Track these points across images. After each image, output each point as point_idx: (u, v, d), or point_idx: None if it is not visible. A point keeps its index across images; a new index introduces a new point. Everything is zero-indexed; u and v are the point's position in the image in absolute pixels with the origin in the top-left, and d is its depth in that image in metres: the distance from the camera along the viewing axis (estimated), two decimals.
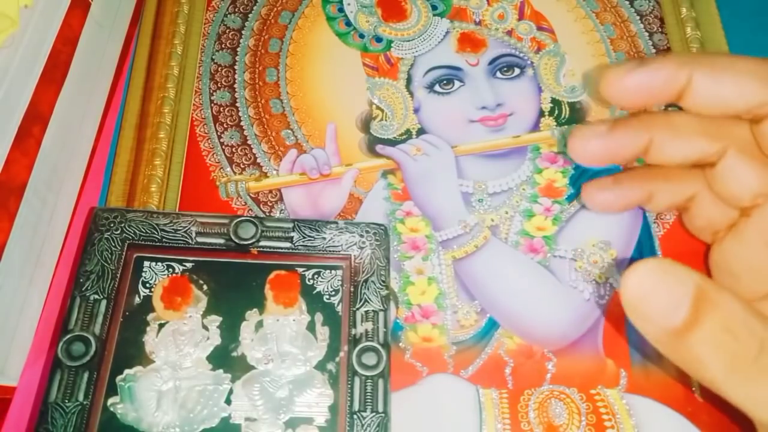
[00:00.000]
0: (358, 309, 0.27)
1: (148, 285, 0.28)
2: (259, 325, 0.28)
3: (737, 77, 0.24)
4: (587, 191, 0.30)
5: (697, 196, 0.28)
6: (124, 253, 0.28)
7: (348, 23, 0.39)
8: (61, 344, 0.25)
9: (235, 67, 0.37)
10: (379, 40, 0.38)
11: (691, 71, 0.24)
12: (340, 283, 0.28)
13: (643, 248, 0.32)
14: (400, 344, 0.29)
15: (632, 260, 0.31)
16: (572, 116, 0.36)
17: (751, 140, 0.25)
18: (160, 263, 0.29)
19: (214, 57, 0.37)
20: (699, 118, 0.26)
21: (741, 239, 0.27)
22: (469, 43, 0.37)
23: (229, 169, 0.34)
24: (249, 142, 0.35)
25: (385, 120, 0.35)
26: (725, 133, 0.26)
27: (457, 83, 0.36)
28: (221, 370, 0.27)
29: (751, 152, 0.25)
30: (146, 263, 0.28)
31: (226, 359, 0.27)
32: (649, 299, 0.19)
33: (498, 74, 0.37)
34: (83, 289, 0.27)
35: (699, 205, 0.29)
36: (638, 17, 0.39)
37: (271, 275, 0.28)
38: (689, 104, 0.25)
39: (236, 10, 0.39)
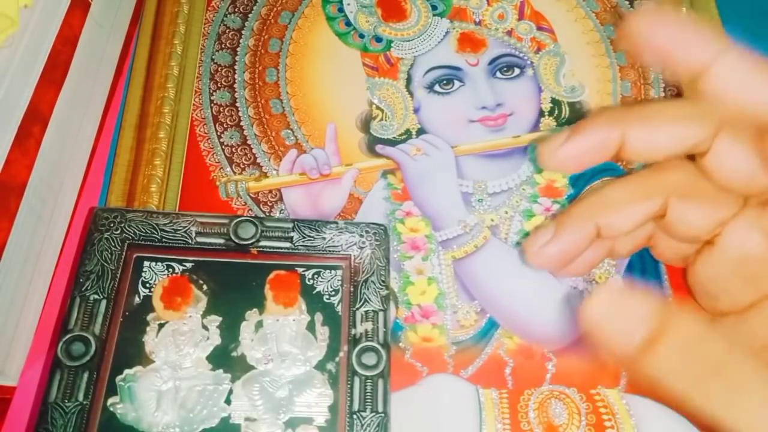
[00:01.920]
0: (358, 309, 0.27)
1: (148, 285, 0.28)
2: (259, 325, 0.28)
3: (669, 125, 0.24)
4: (529, 250, 0.28)
5: (655, 236, 0.28)
6: (124, 253, 0.28)
7: (348, 23, 0.39)
8: (61, 344, 0.25)
9: (235, 67, 0.37)
10: (379, 40, 0.38)
11: (623, 129, 0.24)
12: (340, 283, 0.28)
13: (643, 249, 0.32)
14: (400, 344, 0.29)
15: (632, 260, 0.31)
16: (572, 116, 0.36)
17: (688, 180, 0.25)
18: (160, 263, 0.28)
19: (214, 57, 0.37)
20: (631, 184, 0.26)
21: (709, 265, 0.27)
22: (469, 43, 0.37)
23: (229, 169, 0.34)
24: (249, 142, 0.35)
25: (385, 120, 0.35)
26: (661, 186, 0.26)
27: (457, 83, 0.36)
28: (221, 370, 0.27)
29: (695, 192, 0.25)
30: (146, 263, 0.28)
31: (226, 359, 0.27)
32: (608, 322, 0.20)
33: (498, 74, 0.37)
34: (83, 289, 0.27)
35: (660, 243, 0.29)
36: None
37: (271, 275, 0.28)
38: (628, 157, 0.25)
39: (236, 10, 0.39)
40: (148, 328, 0.27)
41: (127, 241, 0.28)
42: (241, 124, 0.35)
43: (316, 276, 0.29)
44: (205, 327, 0.27)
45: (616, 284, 0.20)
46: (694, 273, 0.28)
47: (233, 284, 0.28)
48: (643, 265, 0.31)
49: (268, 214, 0.32)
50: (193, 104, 0.36)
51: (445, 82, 0.36)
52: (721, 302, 0.27)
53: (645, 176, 0.26)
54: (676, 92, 0.36)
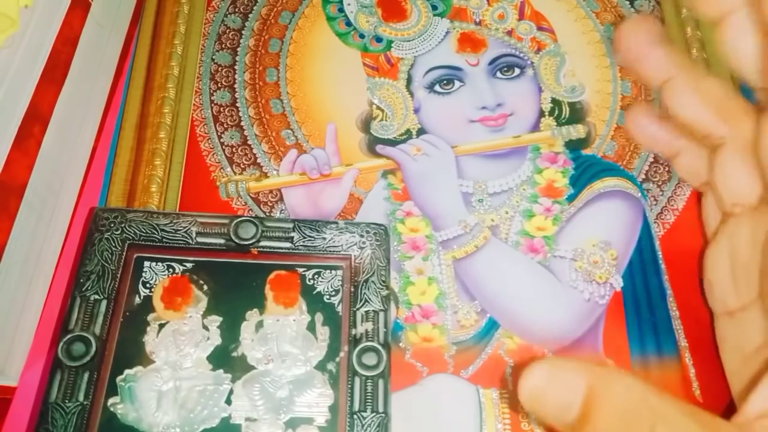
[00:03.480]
0: (358, 309, 0.27)
1: (148, 285, 0.28)
2: (260, 325, 0.28)
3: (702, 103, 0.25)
4: (633, 110, 0.29)
5: (684, 153, 0.29)
6: (124, 253, 0.28)
7: (348, 23, 0.39)
8: (61, 344, 0.25)
9: (236, 67, 0.37)
10: (379, 40, 0.38)
11: (675, 75, 0.25)
12: (340, 283, 0.28)
13: (643, 248, 0.32)
14: (401, 344, 0.29)
15: (632, 260, 0.32)
16: (572, 116, 0.36)
17: (750, 141, 0.25)
18: (160, 263, 0.28)
19: (214, 57, 0.37)
20: (722, 96, 0.26)
21: (714, 248, 0.27)
22: (469, 43, 0.37)
23: (229, 169, 0.34)
24: (249, 142, 0.35)
25: (385, 120, 0.35)
26: (734, 123, 0.26)
27: (457, 83, 0.36)
28: (221, 370, 0.27)
29: (746, 153, 0.25)
30: (146, 263, 0.28)
31: (227, 359, 0.27)
32: (542, 402, 0.21)
33: (498, 74, 0.37)
34: (83, 289, 0.27)
35: (683, 159, 0.29)
36: None
37: (272, 275, 0.28)
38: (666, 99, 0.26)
39: (236, 10, 0.39)
40: (148, 329, 0.27)
41: (128, 241, 0.28)
42: (242, 124, 0.35)
43: (316, 276, 0.29)
44: (205, 327, 0.27)
45: (549, 362, 0.21)
46: (708, 254, 0.28)
47: (234, 284, 0.28)
48: (643, 265, 0.31)
49: (268, 214, 0.32)
50: (194, 104, 0.36)
51: (445, 82, 0.36)
52: (715, 298, 0.27)
53: (734, 104, 0.26)
54: None
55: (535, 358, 0.29)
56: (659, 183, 0.34)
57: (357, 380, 0.26)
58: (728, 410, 0.27)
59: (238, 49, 0.38)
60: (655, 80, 0.26)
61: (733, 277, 0.26)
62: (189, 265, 0.29)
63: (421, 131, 0.35)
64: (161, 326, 0.27)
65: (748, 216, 0.26)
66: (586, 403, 0.20)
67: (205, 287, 0.28)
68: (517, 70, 0.37)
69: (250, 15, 0.39)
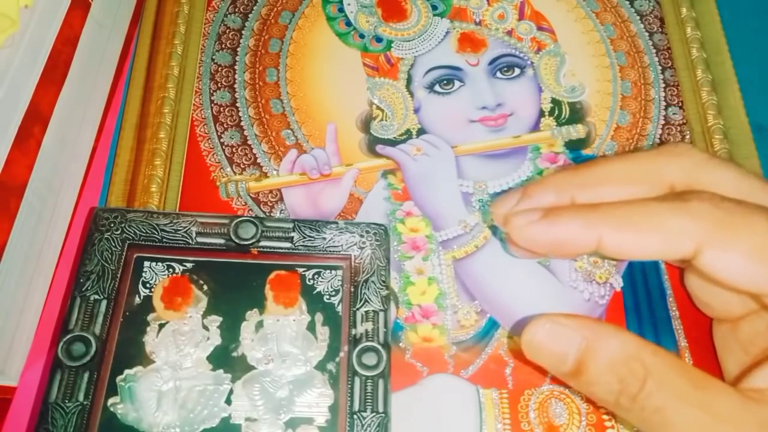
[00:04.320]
0: (358, 309, 0.27)
1: (148, 285, 0.28)
2: (260, 325, 0.28)
3: (651, 233, 0.22)
4: (514, 226, 0.26)
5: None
6: (124, 253, 0.28)
7: (348, 23, 0.39)
8: (61, 344, 0.25)
9: (236, 67, 0.37)
10: (379, 40, 0.38)
11: (599, 233, 0.23)
12: (340, 283, 0.28)
13: None
14: (401, 344, 0.29)
15: (632, 261, 0.31)
16: (572, 116, 0.36)
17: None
18: (160, 263, 0.28)
19: (214, 57, 0.37)
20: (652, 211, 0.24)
21: (698, 277, 0.27)
22: (469, 43, 0.37)
23: (229, 169, 0.34)
24: (249, 142, 0.35)
25: (385, 120, 0.35)
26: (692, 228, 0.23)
27: (457, 83, 0.36)
28: (221, 370, 0.27)
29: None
30: (146, 263, 0.28)
31: (227, 359, 0.27)
32: (540, 353, 0.23)
33: (498, 74, 0.37)
34: (83, 289, 0.27)
35: None
36: (638, 17, 0.39)
37: (272, 275, 0.28)
38: (608, 255, 0.24)
39: (236, 10, 0.39)
40: (148, 329, 0.27)
41: (128, 241, 0.28)
42: (242, 124, 0.35)
43: (316, 276, 0.29)
44: (205, 327, 0.27)
45: (549, 316, 0.23)
46: (689, 282, 0.28)
47: (234, 284, 0.28)
48: (643, 265, 0.31)
49: (268, 214, 0.32)
50: (194, 104, 0.36)
51: (445, 82, 0.36)
52: (714, 310, 0.28)
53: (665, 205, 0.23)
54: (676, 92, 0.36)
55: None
56: None
57: (357, 380, 0.26)
58: None
59: (238, 49, 0.38)
60: (588, 251, 0.24)
61: (736, 294, 0.25)
62: (189, 265, 0.29)
63: (421, 131, 0.35)
64: (161, 326, 0.27)
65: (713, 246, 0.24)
66: (581, 355, 0.22)
67: (205, 287, 0.28)
68: (517, 70, 0.37)
69: (250, 15, 0.39)
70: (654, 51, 0.38)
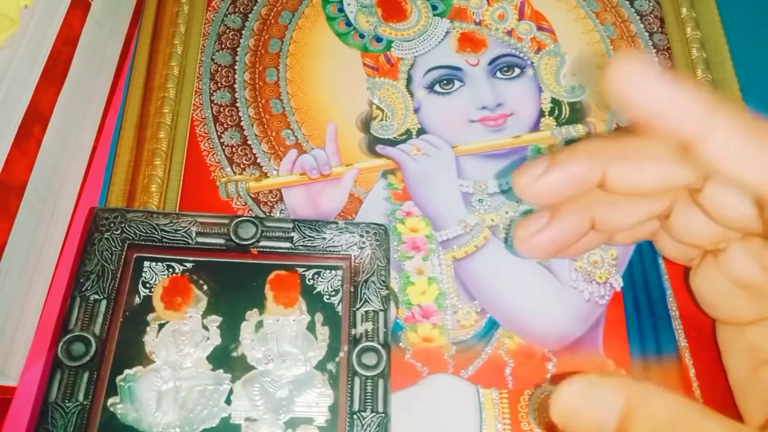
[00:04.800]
0: (358, 309, 0.27)
1: (148, 285, 0.28)
2: (259, 325, 0.28)
3: (656, 163, 0.23)
4: (521, 235, 0.27)
5: (659, 233, 0.28)
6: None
7: (348, 23, 0.39)
8: (61, 344, 0.25)
9: (235, 67, 0.37)
10: (379, 40, 0.38)
11: (603, 169, 0.23)
12: (340, 283, 0.28)
13: (643, 248, 0.32)
14: (401, 344, 0.29)
15: (632, 260, 0.31)
16: (572, 116, 0.36)
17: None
18: (160, 263, 0.28)
19: (214, 57, 0.37)
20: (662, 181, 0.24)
21: (709, 279, 0.26)
22: (469, 43, 0.37)
23: (229, 169, 0.34)
24: (249, 142, 0.35)
25: (385, 120, 0.35)
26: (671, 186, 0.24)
27: (457, 83, 0.36)
28: (221, 370, 0.27)
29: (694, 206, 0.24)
30: (146, 263, 0.28)
31: (226, 359, 0.27)
32: (575, 420, 0.20)
33: (498, 74, 0.37)
34: (83, 289, 0.27)
35: (663, 241, 0.28)
36: (638, 17, 0.39)
37: (271, 275, 0.28)
38: (610, 191, 0.24)
39: (236, 10, 0.39)
40: (148, 328, 0.27)
41: (128, 241, 0.28)
42: (242, 124, 0.35)
43: (316, 276, 0.29)
44: (205, 327, 0.27)
45: (583, 379, 0.20)
46: (695, 281, 0.27)
47: (233, 284, 0.28)
48: (643, 265, 0.31)
49: (268, 214, 0.32)
50: (194, 104, 0.36)
51: (445, 82, 0.36)
52: (720, 313, 0.27)
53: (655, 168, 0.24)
54: None
55: (535, 357, 0.29)
56: None
57: (357, 380, 0.26)
58: (729, 411, 0.27)
59: (238, 49, 0.38)
60: (591, 187, 0.24)
61: (748, 296, 0.25)
62: (189, 265, 0.29)
63: (421, 131, 0.35)
64: (161, 326, 0.27)
65: (741, 246, 0.24)
66: (623, 421, 0.19)
67: (205, 287, 0.28)
68: (517, 70, 0.37)
69: (250, 15, 0.39)
70: (654, 51, 0.38)
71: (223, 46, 0.38)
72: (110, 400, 0.26)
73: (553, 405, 0.20)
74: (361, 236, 0.29)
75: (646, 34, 0.38)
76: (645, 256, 0.32)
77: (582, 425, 0.20)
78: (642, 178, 0.23)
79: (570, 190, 0.24)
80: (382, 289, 0.28)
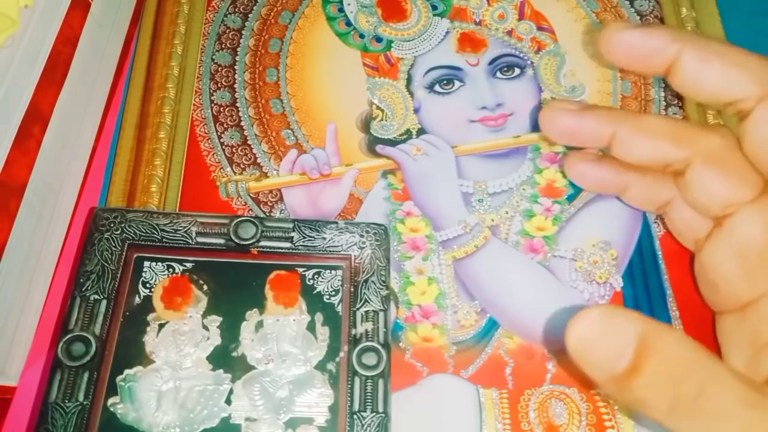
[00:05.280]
0: (358, 309, 0.27)
1: (148, 285, 0.28)
2: (260, 325, 0.28)
3: (725, 66, 0.24)
4: (570, 158, 0.31)
5: (672, 202, 0.28)
6: (124, 253, 0.28)
7: (348, 23, 0.39)
8: (61, 344, 0.25)
9: (235, 67, 0.37)
10: (379, 40, 0.38)
11: (681, 48, 0.25)
12: (340, 283, 0.28)
13: (643, 248, 0.32)
14: (401, 344, 0.29)
15: (632, 260, 0.32)
16: None
17: (720, 149, 0.25)
18: (160, 263, 0.28)
19: (214, 57, 0.37)
20: (668, 123, 0.26)
21: (714, 250, 0.27)
22: (469, 43, 0.37)
23: (229, 169, 0.34)
24: (249, 142, 0.35)
25: (385, 120, 0.35)
26: (692, 141, 0.26)
27: (457, 83, 0.36)
28: (221, 370, 0.27)
29: (720, 161, 0.25)
30: (146, 263, 0.28)
31: (226, 359, 0.27)
32: (592, 348, 0.20)
33: (498, 74, 0.37)
34: (83, 289, 0.27)
35: (675, 211, 0.29)
36: (638, 17, 0.39)
37: (271, 275, 0.28)
38: (676, 82, 0.25)
39: (236, 10, 0.39)
40: (148, 328, 0.27)
41: (128, 241, 0.28)
42: (242, 124, 0.35)
43: (316, 276, 0.29)
44: (205, 327, 0.27)
45: (600, 308, 0.20)
46: (700, 259, 0.28)
47: (233, 284, 0.28)
48: (643, 265, 0.31)
49: (268, 214, 0.33)
50: (194, 104, 0.36)
51: (445, 82, 0.36)
52: (721, 295, 0.27)
53: (684, 125, 0.26)
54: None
55: (535, 357, 0.29)
56: None
57: (357, 380, 0.26)
58: None
59: (238, 49, 0.38)
60: (664, 64, 0.25)
61: (746, 270, 0.25)
62: (189, 265, 0.29)
63: (421, 131, 0.35)
64: (161, 326, 0.27)
65: (748, 209, 0.25)
66: (638, 352, 0.19)
67: (205, 287, 0.28)
68: (517, 70, 0.37)
69: (250, 15, 0.39)
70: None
71: (223, 46, 0.38)
72: (110, 400, 0.26)
73: (570, 334, 0.20)
74: (361, 236, 0.29)
75: None
76: (645, 256, 0.32)
77: (598, 355, 0.20)
78: (710, 74, 0.25)
79: (646, 56, 0.26)
80: (382, 289, 0.28)
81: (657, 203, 0.29)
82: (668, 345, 0.19)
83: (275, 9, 0.39)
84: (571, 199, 0.33)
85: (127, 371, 0.26)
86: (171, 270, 0.28)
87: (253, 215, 0.32)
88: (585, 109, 0.28)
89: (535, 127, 0.35)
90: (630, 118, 0.27)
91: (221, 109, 0.36)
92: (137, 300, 0.28)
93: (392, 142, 0.35)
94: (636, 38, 0.25)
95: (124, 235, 0.28)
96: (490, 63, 0.37)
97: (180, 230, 0.29)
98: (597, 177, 0.30)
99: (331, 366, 0.27)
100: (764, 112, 0.23)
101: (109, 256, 0.28)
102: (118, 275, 0.27)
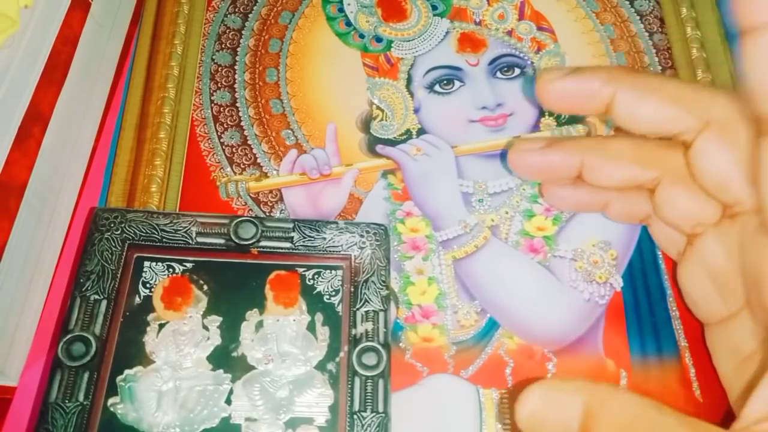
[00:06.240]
0: (358, 309, 0.27)
1: (148, 285, 0.28)
2: (260, 325, 0.28)
3: (661, 102, 0.25)
4: (549, 189, 0.31)
5: (652, 215, 0.29)
6: (124, 253, 0.28)
7: (348, 23, 0.39)
8: (61, 344, 0.25)
9: (235, 67, 0.37)
10: (379, 40, 0.38)
11: (615, 89, 0.25)
12: (340, 283, 0.28)
13: (643, 248, 0.32)
14: (401, 344, 0.29)
15: (632, 260, 0.32)
16: (572, 116, 0.35)
17: (686, 168, 0.25)
18: (160, 263, 0.28)
19: (214, 57, 0.37)
20: (635, 145, 0.27)
21: (688, 268, 0.27)
22: (469, 43, 0.37)
23: (229, 169, 0.34)
24: (249, 142, 0.35)
25: (385, 120, 0.35)
26: (659, 161, 0.26)
27: (457, 83, 0.36)
28: (221, 370, 0.27)
29: (686, 180, 0.25)
30: (146, 263, 0.28)
31: (227, 359, 0.27)
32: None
33: (498, 74, 0.37)
34: (83, 289, 0.27)
35: (655, 224, 0.29)
36: (638, 17, 0.39)
37: (272, 275, 0.28)
38: (617, 120, 0.26)
39: (236, 10, 0.39)
40: (148, 329, 0.27)
41: (128, 241, 0.28)
42: (242, 124, 0.35)
43: (316, 276, 0.29)
44: (205, 327, 0.27)
45: (542, 385, 0.21)
46: (678, 275, 0.28)
47: (234, 284, 0.28)
48: (643, 265, 0.32)
49: (268, 214, 0.33)
50: (194, 104, 0.36)
51: (445, 82, 0.36)
52: (700, 310, 0.27)
53: (650, 146, 0.27)
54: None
55: (535, 357, 0.29)
56: None
57: (357, 380, 0.26)
58: (728, 411, 0.27)
59: (238, 49, 0.38)
60: (601, 105, 0.26)
61: (717, 290, 0.26)
62: (189, 265, 0.29)
63: (421, 131, 0.35)
64: (161, 326, 0.27)
65: (713, 232, 0.25)
66: (585, 423, 0.20)
67: (205, 287, 0.28)
68: (517, 70, 0.37)
69: (250, 15, 0.39)
70: (654, 51, 0.38)
71: (223, 46, 0.38)
72: (110, 400, 0.26)
73: (519, 413, 0.21)
74: (361, 236, 0.29)
75: (646, 34, 0.38)
76: (645, 256, 0.32)
77: (548, 430, 0.21)
78: (644, 112, 0.25)
79: (582, 100, 0.26)
80: (382, 289, 0.28)
81: (639, 216, 0.29)
82: (613, 410, 0.20)
83: (275, 9, 0.39)
84: None
85: (127, 371, 0.26)
86: (171, 270, 0.28)
87: (253, 215, 0.32)
88: (550, 145, 0.28)
89: (534, 128, 0.35)
90: (595, 145, 0.28)
91: (221, 109, 0.36)
92: (137, 300, 0.28)
93: (392, 142, 0.35)
94: (569, 85, 0.26)
95: (124, 235, 0.28)
96: (490, 63, 0.37)
97: (180, 230, 0.29)
98: (576, 199, 0.30)
99: (331, 366, 0.27)
100: (703, 144, 0.24)
101: (109, 256, 0.28)
102: (118, 275, 0.27)
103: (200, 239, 0.28)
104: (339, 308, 0.28)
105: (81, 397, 0.25)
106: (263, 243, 0.29)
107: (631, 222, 0.31)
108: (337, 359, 0.27)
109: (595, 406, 0.20)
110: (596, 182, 0.28)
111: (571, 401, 0.20)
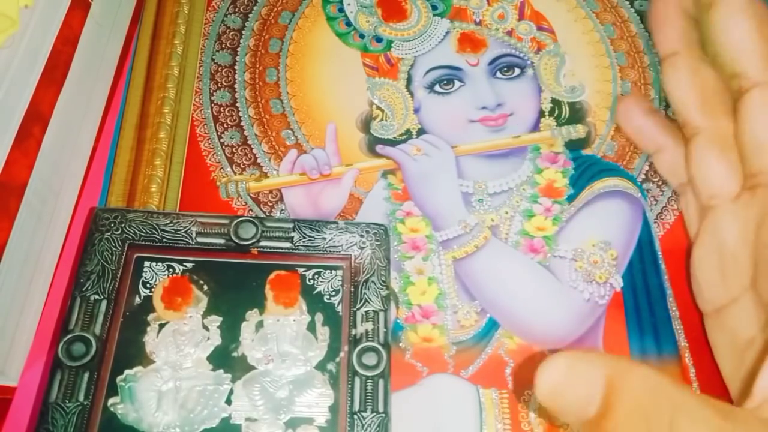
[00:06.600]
0: (358, 309, 0.27)
1: (148, 285, 0.28)
2: (260, 325, 0.28)
3: (749, 31, 0.25)
4: (625, 101, 0.31)
5: (664, 150, 0.29)
6: (124, 253, 0.28)
7: (348, 23, 0.39)
8: (61, 344, 0.25)
9: (236, 67, 0.37)
10: (379, 40, 0.38)
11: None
12: (340, 283, 0.28)
13: (643, 248, 0.32)
14: (401, 344, 0.29)
15: (632, 260, 0.32)
16: (572, 116, 0.36)
17: (727, 135, 0.26)
18: (160, 263, 0.28)
19: (214, 57, 0.37)
20: (709, 89, 0.27)
21: (701, 242, 0.27)
22: (469, 43, 0.37)
23: (229, 169, 0.34)
24: (249, 142, 0.35)
25: (386, 120, 0.35)
26: (711, 115, 0.26)
27: (457, 83, 0.36)
28: (221, 370, 0.27)
29: (722, 145, 0.26)
30: (146, 263, 0.28)
31: (227, 359, 0.27)
32: (562, 396, 0.20)
33: (498, 74, 0.37)
34: (83, 289, 0.27)
35: (689, 193, 0.29)
36: (638, 17, 0.39)
37: (272, 275, 0.28)
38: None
39: (236, 10, 0.39)
40: (148, 329, 0.27)
41: (128, 242, 0.28)
42: (242, 124, 0.35)
43: (316, 276, 0.29)
44: (205, 327, 0.27)
45: (565, 356, 0.20)
46: (692, 253, 0.28)
47: (234, 284, 0.28)
48: (643, 265, 0.32)
49: (268, 214, 0.32)
50: (194, 104, 0.36)
51: (445, 82, 0.36)
52: (704, 295, 0.27)
53: (718, 98, 0.26)
54: None
55: (535, 358, 0.29)
56: (659, 183, 0.34)
57: (357, 380, 0.26)
58: None
59: (238, 49, 0.38)
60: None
61: (721, 272, 0.26)
62: (189, 265, 0.29)
63: (421, 131, 0.35)
64: (161, 326, 0.27)
65: (728, 207, 0.26)
66: (606, 396, 0.19)
67: (205, 287, 0.28)
68: (517, 70, 0.37)
69: (250, 15, 0.39)
70: (654, 51, 0.38)
71: (223, 46, 0.38)
72: (110, 401, 0.26)
73: (538, 385, 0.20)
74: (361, 236, 0.29)
75: (646, 34, 0.38)
76: (645, 256, 0.32)
77: (568, 402, 0.20)
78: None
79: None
80: (382, 289, 0.28)
81: (680, 178, 0.29)
82: (635, 384, 0.20)
83: (275, 9, 0.39)
84: (571, 199, 0.33)
85: (127, 371, 0.26)
86: (171, 270, 0.28)
87: (253, 215, 0.32)
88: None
89: (535, 127, 0.35)
90: (694, 52, 0.27)
91: (221, 109, 0.36)
92: (137, 300, 0.28)
93: (392, 142, 0.35)
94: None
95: (124, 235, 0.28)
96: (490, 63, 0.37)
97: (180, 230, 0.29)
98: (640, 125, 0.30)
99: (331, 366, 0.27)
100: (759, 94, 0.24)
101: (110, 256, 0.28)
102: (119, 275, 0.27)
103: (200, 239, 0.28)
104: (339, 308, 0.28)
105: (81, 397, 0.25)
106: (263, 243, 0.29)
107: (669, 179, 0.30)
108: (337, 359, 0.27)
109: (617, 379, 0.20)
110: (666, 78, 0.28)
111: (594, 374, 0.20)
